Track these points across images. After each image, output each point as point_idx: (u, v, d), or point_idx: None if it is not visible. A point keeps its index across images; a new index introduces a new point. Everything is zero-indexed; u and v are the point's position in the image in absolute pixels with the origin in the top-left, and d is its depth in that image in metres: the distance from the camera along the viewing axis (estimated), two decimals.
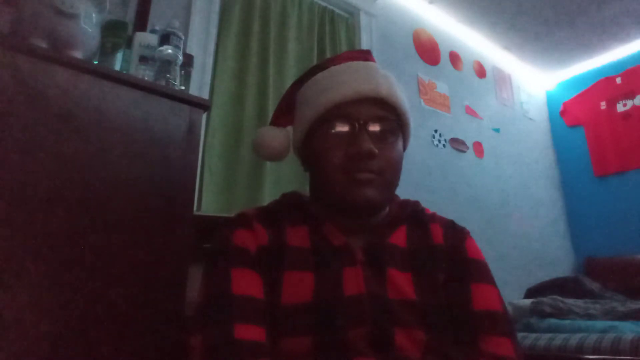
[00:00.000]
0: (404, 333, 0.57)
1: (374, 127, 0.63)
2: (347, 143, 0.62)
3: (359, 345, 0.56)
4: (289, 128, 0.74)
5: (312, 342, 0.56)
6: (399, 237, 0.67)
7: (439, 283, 0.64)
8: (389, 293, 0.60)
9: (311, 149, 0.66)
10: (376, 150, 0.60)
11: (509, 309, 0.69)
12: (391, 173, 0.64)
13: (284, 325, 0.57)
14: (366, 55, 0.74)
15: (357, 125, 0.62)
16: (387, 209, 0.69)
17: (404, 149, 0.69)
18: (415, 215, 0.71)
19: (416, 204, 0.74)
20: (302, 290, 0.59)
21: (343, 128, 0.63)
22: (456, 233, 0.70)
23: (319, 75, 0.68)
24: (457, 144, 2.63)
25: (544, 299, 2.02)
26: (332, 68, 0.68)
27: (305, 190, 0.75)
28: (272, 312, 0.58)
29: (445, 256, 0.67)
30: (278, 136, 0.73)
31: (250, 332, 0.54)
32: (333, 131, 0.63)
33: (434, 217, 0.72)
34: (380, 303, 0.59)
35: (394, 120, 0.65)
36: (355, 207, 0.62)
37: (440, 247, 0.67)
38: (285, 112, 0.75)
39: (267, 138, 0.73)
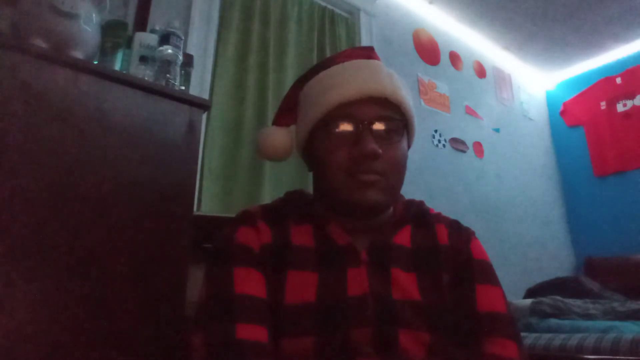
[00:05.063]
0: (408, 334, 0.57)
1: (379, 127, 0.62)
2: (351, 143, 0.61)
3: (362, 346, 0.56)
4: (292, 127, 0.73)
5: (315, 343, 0.56)
6: (404, 237, 0.67)
7: (444, 284, 0.63)
8: (393, 293, 0.60)
9: (314, 149, 0.66)
10: (380, 151, 0.59)
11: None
12: (396, 174, 0.63)
13: (287, 325, 0.57)
14: (369, 53, 0.72)
15: (360, 125, 0.61)
16: (392, 209, 0.69)
17: (408, 147, 0.68)
18: (420, 216, 0.70)
19: (421, 203, 0.73)
20: (306, 290, 0.59)
21: (347, 128, 0.62)
22: (461, 234, 0.69)
23: (322, 74, 0.67)
24: (457, 144, 2.63)
25: (544, 299, 2.02)
26: (335, 67, 0.67)
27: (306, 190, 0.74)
28: (275, 311, 0.57)
29: (450, 257, 0.66)
30: (281, 136, 0.72)
31: (252, 332, 0.54)
32: (336, 131, 0.62)
33: (438, 217, 0.72)
34: (384, 303, 0.59)
35: (398, 119, 0.64)
36: (359, 208, 0.62)
37: (445, 247, 0.67)
38: (287, 112, 0.74)
39: (270, 138, 0.73)
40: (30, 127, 0.75)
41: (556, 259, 3.01)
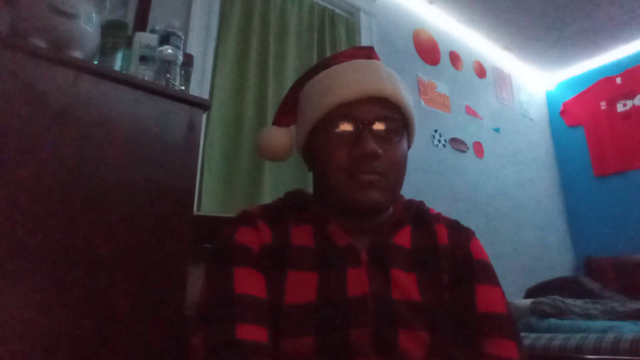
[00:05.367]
0: (408, 334, 0.57)
1: (379, 127, 0.62)
2: (351, 143, 0.61)
3: (362, 347, 0.56)
4: (292, 127, 0.73)
5: (314, 343, 0.56)
6: (404, 238, 0.67)
7: (444, 284, 0.63)
8: (393, 294, 0.60)
9: (314, 149, 0.66)
10: (380, 151, 0.59)
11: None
12: (395, 174, 0.63)
13: (287, 326, 0.57)
14: (369, 52, 0.72)
15: (361, 125, 0.61)
16: (392, 209, 0.69)
17: (409, 147, 0.68)
18: (419, 216, 0.70)
19: (421, 204, 0.73)
20: (306, 291, 0.59)
21: (347, 128, 0.62)
22: (461, 234, 0.69)
23: (322, 74, 0.67)
24: (457, 144, 2.63)
25: (544, 299, 2.02)
26: (335, 67, 0.67)
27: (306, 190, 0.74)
28: (275, 312, 0.57)
29: (450, 257, 0.66)
30: (281, 136, 0.73)
31: (252, 333, 0.54)
32: (336, 131, 0.62)
33: (438, 218, 0.72)
34: (384, 304, 0.59)
35: (398, 119, 0.64)
36: (359, 209, 0.62)
37: (444, 247, 0.67)
38: (287, 112, 0.74)
39: (270, 138, 0.73)
40: (31, 127, 0.75)
41: (556, 259, 3.01)
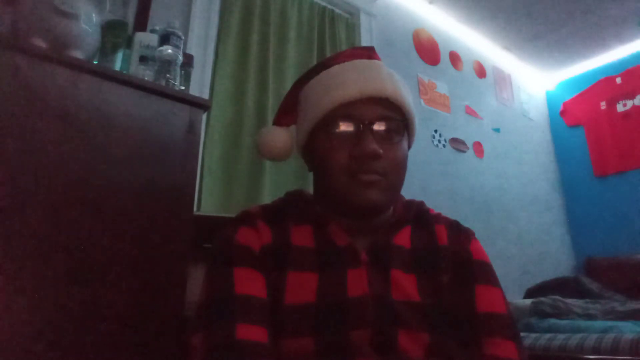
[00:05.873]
0: (407, 335, 0.57)
1: (379, 127, 0.62)
2: (352, 143, 0.61)
3: (362, 347, 0.56)
4: (292, 127, 0.73)
5: (314, 343, 0.56)
6: (404, 238, 0.67)
7: (443, 285, 0.63)
8: (393, 294, 0.60)
9: (315, 149, 0.66)
10: (381, 151, 0.59)
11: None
12: (396, 174, 0.63)
13: (287, 326, 0.57)
14: (370, 53, 0.72)
15: (361, 125, 0.61)
16: (392, 209, 0.69)
17: (409, 147, 0.69)
18: (420, 216, 0.71)
19: (421, 204, 0.73)
20: (306, 291, 0.59)
21: (347, 128, 0.62)
22: (461, 234, 0.70)
23: (323, 74, 0.67)
24: (457, 144, 2.63)
25: (544, 299, 2.02)
26: (336, 67, 0.67)
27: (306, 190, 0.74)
28: (275, 312, 0.57)
29: (450, 258, 0.66)
30: (281, 136, 0.73)
31: (252, 333, 0.53)
32: (337, 131, 0.62)
33: (438, 218, 0.72)
34: (384, 304, 0.59)
35: (399, 119, 0.64)
36: (359, 209, 0.62)
37: (444, 248, 0.67)
38: (288, 112, 0.74)
39: (270, 138, 0.73)
40: (30, 127, 0.75)
41: (556, 259, 3.01)
